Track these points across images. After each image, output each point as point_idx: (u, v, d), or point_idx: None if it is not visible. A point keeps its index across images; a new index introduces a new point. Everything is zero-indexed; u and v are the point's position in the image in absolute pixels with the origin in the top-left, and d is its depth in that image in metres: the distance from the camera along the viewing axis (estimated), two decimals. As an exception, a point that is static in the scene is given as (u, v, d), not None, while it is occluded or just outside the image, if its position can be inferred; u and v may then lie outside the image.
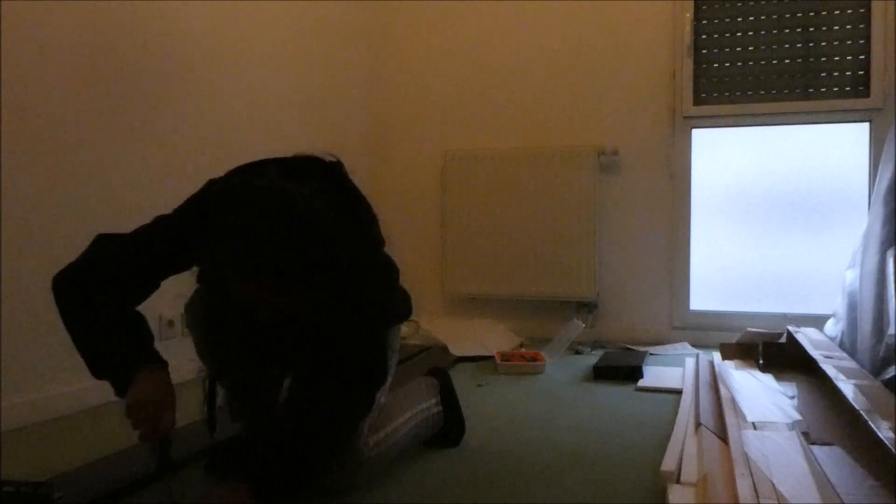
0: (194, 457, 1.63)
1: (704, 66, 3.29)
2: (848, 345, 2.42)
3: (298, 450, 1.34)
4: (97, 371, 1.34)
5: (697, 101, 3.29)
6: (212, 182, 1.41)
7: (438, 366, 1.95)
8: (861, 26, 3.09)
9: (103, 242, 1.37)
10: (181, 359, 1.61)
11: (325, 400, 1.37)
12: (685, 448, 1.62)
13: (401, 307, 1.67)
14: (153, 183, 2.38)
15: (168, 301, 1.46)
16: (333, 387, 1.37)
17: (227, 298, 1.29)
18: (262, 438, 1.50)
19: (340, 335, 1.39)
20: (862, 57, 3.09)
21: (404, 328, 3.29)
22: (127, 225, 1.40)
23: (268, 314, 1.29)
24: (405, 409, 1.64)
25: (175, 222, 1.37)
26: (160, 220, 1.39)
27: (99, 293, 1.32)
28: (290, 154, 1.52)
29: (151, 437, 1.30)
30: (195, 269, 1.41)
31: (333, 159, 1.50)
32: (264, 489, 1.29)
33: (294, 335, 1.47)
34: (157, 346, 1.38)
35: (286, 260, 1.18)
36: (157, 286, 1.40)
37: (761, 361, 2.51)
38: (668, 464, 1.52)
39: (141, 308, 1.39)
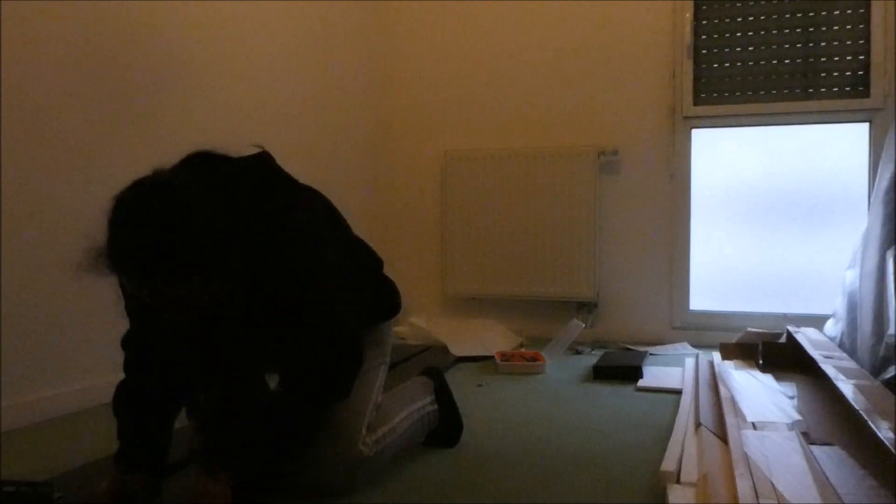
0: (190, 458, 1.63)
1: (704, 66, 3.29)
2: (848, 345, 2.41)
3: (269, 441, 1.36)
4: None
5: (697, 101, 3.29)
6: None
7: (432, 365, 1.95)
8: (861, 26, 3.09)
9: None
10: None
11: (293, 392, 1.39)
12: (685, 448, 1.62)
13: (384, 302, 1.67)
14: (153, 183, 2.38)
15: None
16: (305, 384, 1.40)
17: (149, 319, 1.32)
18: (228, 428, 1.49)
19: (303, 328, 1.39)
20: (862, 57, 3.09)
21: (403, 328, 3.32)
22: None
23: (175, 314, 1.28)
24: (401, 408, 1.64)
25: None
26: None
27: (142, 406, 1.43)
28: (283, 155, 1.50)
29: None
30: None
31: (257, 150, 1.48)
32: (242, 479, 1.29)
33: (248, 335, 1.46)
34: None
35: (162, 252, 1.16)
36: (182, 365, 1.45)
37: (761, 361, 2.51)
38: (668, 464, 1.52)
39: None
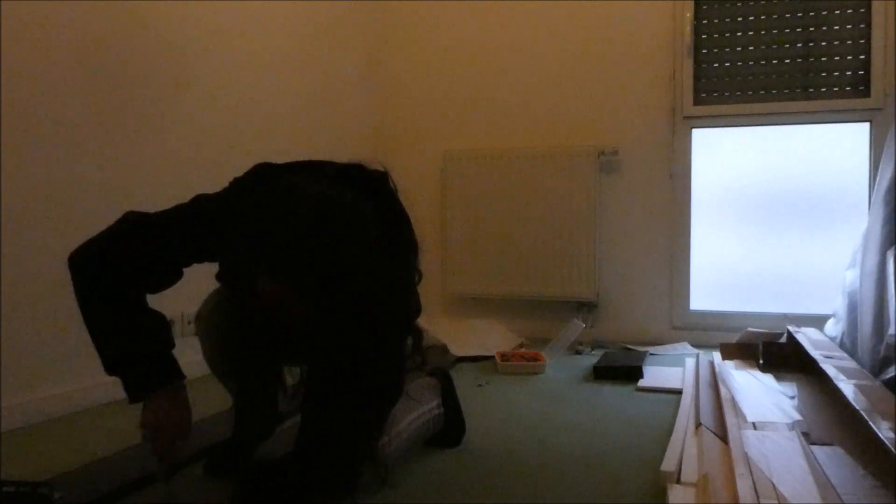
0: (194, 457, 1.63)
1: (704, 66, 3.29)
2: (848, 345, 2.41)
3: (312, 468, 1.35)
4: (110, 367, 1.28)
5: (697, 101, 3.29)
6: (259, 168, 1.37)
7: (439, 366, 1.94)
8: (861, 26, 3.09)
9: (133, 219, 1.30)
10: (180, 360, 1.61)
11: (341, 416, 1.37)
12: (685, 448, 1.62)
13: (413, 313, 1.67)
14: (153, 182, 2.38)
15: (167, 302, 1.46)
16: (349, 403, 1.37)
17: (249, 300, 1.28)
18: (262, 443, 1.49)
19: (357, 347, 1.38)
20: (862, 57, 3.09)
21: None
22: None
23: (283, 317, 1.27)
24: (408, 412, 1.64)
25: (216, 206, 1.32)
26: (199, 200, 1.34)
27: (124, 279, 1.26)
28: (283, 155, 1.50)
29: (164, 459, 1.32)
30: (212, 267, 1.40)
31: (381, 169, 1.50)
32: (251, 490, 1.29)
33: (307, 341, 1.46)
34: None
35: (317, 264, 1.17)
36: (181, 274, 1.35)
37: (761, 361, 2.51)
38: (668, 464, 1.52)
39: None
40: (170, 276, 1.34)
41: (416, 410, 1.66)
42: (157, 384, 1.29)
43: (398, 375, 1.46)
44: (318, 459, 1.35)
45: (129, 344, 1.27)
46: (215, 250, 1.35)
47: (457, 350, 3.02)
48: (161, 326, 1.32)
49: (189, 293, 1.58)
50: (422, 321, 3.54)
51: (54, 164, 2.08)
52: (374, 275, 1.26)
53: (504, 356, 2.81)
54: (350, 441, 1.38)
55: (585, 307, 3.38)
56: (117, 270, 1.26)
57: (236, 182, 1.36)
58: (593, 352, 3.06)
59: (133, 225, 1.30)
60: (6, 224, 1.94)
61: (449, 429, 1.78)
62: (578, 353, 3.05)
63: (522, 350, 2.99)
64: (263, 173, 1.37)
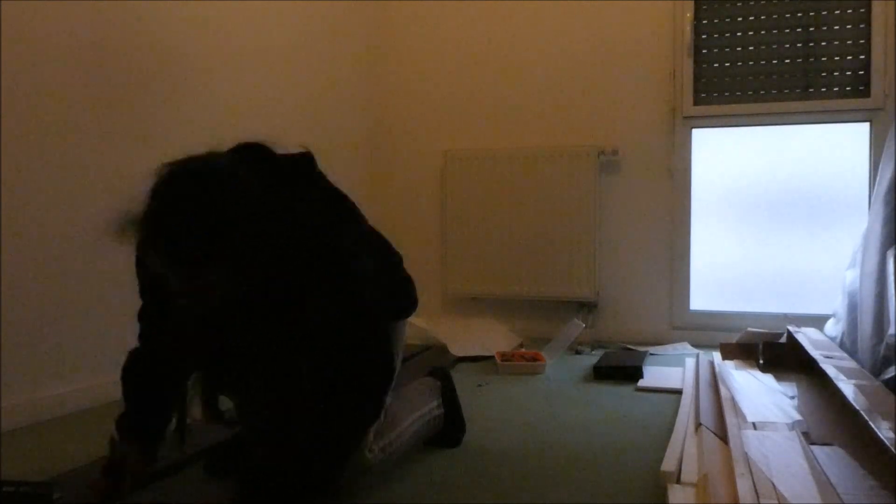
0: (194, 457, 1.63)
1: (704, 66, 3.29)
2: (848, 345, 2.41)
3: (300, 461, 1.33)
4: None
5: (697, 101, 3.29)
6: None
7: (440, 366, 1.94)
8: (861, 26, 3.09)
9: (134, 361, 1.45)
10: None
11: (329, 410, 1.36)
12: (685, 448, 1.62)
13: (401, 300, 1.62)
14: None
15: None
16: (337, 396, 1.36)
17: (165, 300, 1.30)
18: (255, 442, 1.48)
19: (332, 334, 1.36)
20: (862, 57, 3.09)
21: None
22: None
23: (199, 303, 1.27)
24: (409, 412, 1.63)
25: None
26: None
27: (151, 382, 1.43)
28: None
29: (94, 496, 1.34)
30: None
31: (303, 150, 1.47)
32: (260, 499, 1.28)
33: (251, 324, 1.42)
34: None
35: (203, 235, 1.15)
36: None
37: (761, 361, 2.51)
38: (668, 464, 1.52)
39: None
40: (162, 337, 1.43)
41: (416, 412, 1.65)
42: (124, 439, 1.39)
43: (374, 367, 1.41)
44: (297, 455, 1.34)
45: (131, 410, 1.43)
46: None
47: (457, 350, 3.02)
48: (157, 408, 1.43)
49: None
50: (422, 321, 3.56)
51: (54, 164, 2.08)
52: (265, 241, 1.22)
53: (504, 356, 2.81)
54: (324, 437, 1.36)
55: (585, 307, 3.38)
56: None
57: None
58: (593, 352, 3.06)
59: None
60: (6, 224, 1.94)
61: (449, 429, 1.78)
62: (578, 353, 3.05)
63: (522, 350, 2.99)
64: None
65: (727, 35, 3.26)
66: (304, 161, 1.45)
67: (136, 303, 1.45)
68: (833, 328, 2.62)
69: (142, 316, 1.46)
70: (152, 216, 1.15)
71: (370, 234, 1.59)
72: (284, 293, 1.33)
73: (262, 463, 1.35)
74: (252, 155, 1.33)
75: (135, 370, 1.44)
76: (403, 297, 1.62)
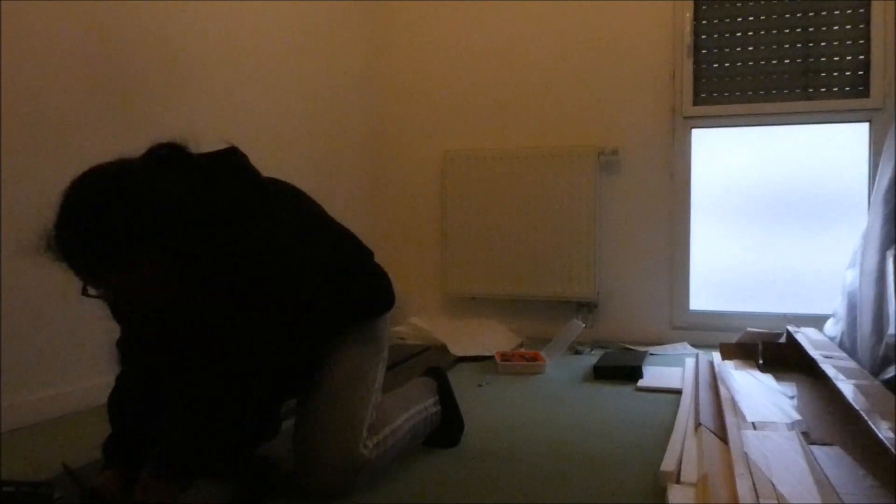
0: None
1: (704, 66, 3.29)
2: (848, 345, 2.41)
3: (193, 440, 1.30)
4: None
5: (697, 101, 3.29)
6: None
7: (435, 365, 1.94)
8: (861, 26, 3.09)
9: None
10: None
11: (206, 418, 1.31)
12: (685, 448, 1.62)
13: (376, 295, 1.61)
14: (153, 183, 2.38)
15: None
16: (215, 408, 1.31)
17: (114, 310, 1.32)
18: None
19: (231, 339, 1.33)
20: (862, 57, 3.09)
21: (403, 328, 3.32)
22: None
23: (128, 305, 1.28)
24: (403, 409, 1.63)
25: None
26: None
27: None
28: (283, 155, 1.48)
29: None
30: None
31: (225, 146, 1.43)
32: (175, 471, 1.26)
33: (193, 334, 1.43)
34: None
35: (105, 239, 1.15)
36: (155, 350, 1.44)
37: (761, 361, 2.51)
38: (668, 464, 1.52)
39: None
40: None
41: (411, 409, 1.65)
42: (107, 466, 1.38)
43: (264, 356, 1.33)
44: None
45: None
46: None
47: (457, 350, 3.02)
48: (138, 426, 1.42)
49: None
50: (422, 321, 3.55)
51: (55, 163, 2.08)
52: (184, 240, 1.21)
53: (504, 356, 2.81)
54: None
55: (585, 307, 3.38)
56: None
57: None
58: (593, 352, 3.06)
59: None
60: (6, 224, 1.94)
61: (447, 428, 1.78)
62: (578, 353, 3.05)
63: (522, 350, 2.99)
64: None
65: (727, 35, 3.26)
66: (227, 157, 1.40)
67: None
68: (833, 328, 2.62)
69: (119, 343, 1.48)
70: (57, 228, 1.16)
71: (323, 234, 1.54)
72: (210, 290, 1.31)
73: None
74: (164, 155, 1.30)
75: (116, 398, 1.45)
76: (377, 294, 1.61)
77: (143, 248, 1.18)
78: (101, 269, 1.18)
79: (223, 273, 1.30)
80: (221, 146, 1.41)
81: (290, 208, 1.46)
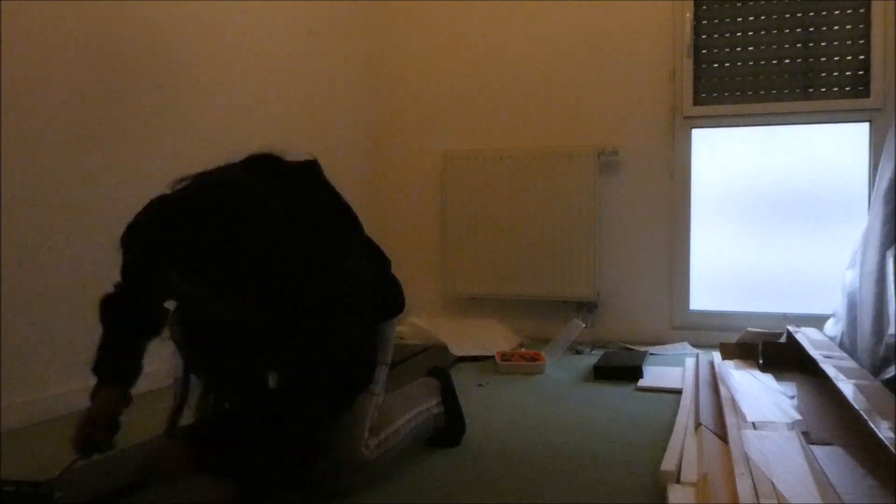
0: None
1: (704, 66, 3.29)
2: (848, 345, 2.41)
3: (275, 447, 1.35)
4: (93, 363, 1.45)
5: (697, 101, 3.29)
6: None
7: (439, 366, 1.94)
8: (861, 26, 3.09)
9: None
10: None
11: (301, 399, 1.36)
12: (685, 448, 1.62)
13: (389, 301, 1.66)
14: (152, 183, 2.37)
15: (169, 302, 1.47)
16: (311, 386, 1.36)
17: (188, 304, 1.33)
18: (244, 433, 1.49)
19: (320, 332, 1.37)
20: (862, 57, 3.09)
21: (403, 328, 3.32)
22: (125, 224, 1.41)
23: (219, 311, 1.31)
24: (406, 410, 1.63)
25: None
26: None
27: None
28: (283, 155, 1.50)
29: (80, 449, 1.39)
30: None
31: (309, 158, 1.50)
32: (247, 487, 1.29)
33: (269, 333, 1.46)
34: (158, 346, 1.43)
35: (217, 254, 1.18)
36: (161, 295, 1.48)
37: (761, 361, 2.51)
38: (668, 464, 1.52)
39: None
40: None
41: (413, 409, 1.65)
42: (101, 382, 1.44)
43: (353, 363, 1.42)
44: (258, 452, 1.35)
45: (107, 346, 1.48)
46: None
47: (457, 350, 3.02)
48: (135, 340, 1.47)
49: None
50: (422, 321, 3.55)
51: (55, 163, 2.08)
52: (282, 253, 1.25)
53: (504, 356, 2.81)
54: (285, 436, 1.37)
55: (585, 307, 3.38)
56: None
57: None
58: (593, 352, 3.06)
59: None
60: (7, 223, 1.94)
61: (449, 429, 1.78)
62: (578, 353, 3.05)
63: (522, 350, 2.99)
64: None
65: (727, 35, 3.26)
66: (311, 168, 1.49)
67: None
68: (833, 328, 2.62)
69: (125, 273, 1.48)
70: (175, 237, 1.19)
71: (367, 240, 1.62)
72: (288, 294, 1.34)
73: (237, 455, 1.35)
74: (263, 166, 1.38)
75: (113, 308, 1.48)
76: (392, 300, 1.67)
77: (257, 258, 1.22)
78: (219, 278, 1.21)
79: (301, 278, 1.34)
80: (303, 157, 1.49)
81: (355, 219, 1.54)
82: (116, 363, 1.45)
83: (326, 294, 1.37)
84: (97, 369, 1.45)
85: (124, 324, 1.47)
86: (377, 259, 1.67)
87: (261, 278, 1.25)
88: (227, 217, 1.20)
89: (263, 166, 1.38)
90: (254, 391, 1.59)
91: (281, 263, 1.27)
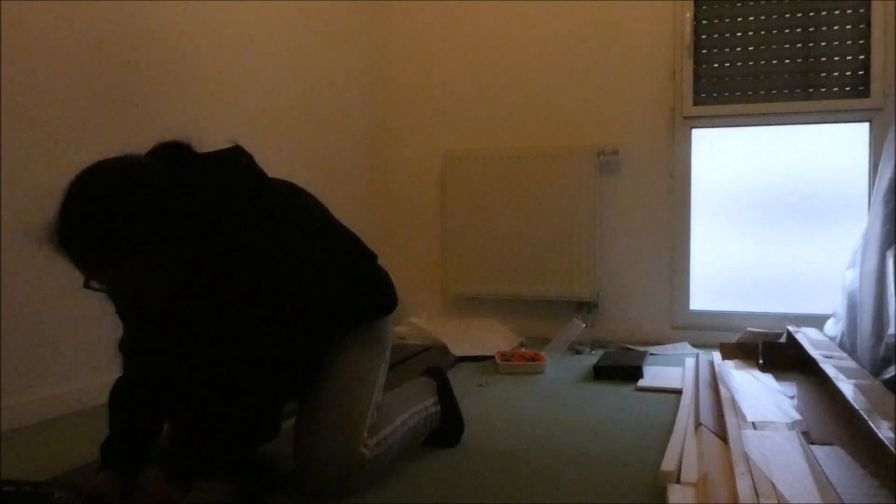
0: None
1: (704, 66, 3.29)
2: (848, 345, 2.41)
3: (203, 437, 1.29)
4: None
5: (697, 101, 3.29)
6: None
7: (435, 365, 1.94)
8: (861, 26, 3.09)
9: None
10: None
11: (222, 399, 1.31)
12: (685, 448, 1.61)
13: (373, 301, 1.61)
14: (153, 183, 2.38)
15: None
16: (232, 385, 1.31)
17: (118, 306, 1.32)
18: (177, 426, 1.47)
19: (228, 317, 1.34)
20: (862, 57, 3.09)
21: (403, 328, 3.32)
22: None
23: (126, 299, 1.29)
24: (403, 409, 1.63)
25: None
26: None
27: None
28: (282, 155, 1.49)
29: None
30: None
31: (229, 144, 1.44)
32: (179, 472, 1.25)
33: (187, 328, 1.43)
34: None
35: (102, 231, 1.16)
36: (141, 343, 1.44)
37: (761, 361, 2.51)
38: (668, 464, 1.52)
39: None
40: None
41: (411, 408, 1.65)
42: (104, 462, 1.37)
43: (276, 361, 1.34)
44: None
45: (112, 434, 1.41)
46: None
47: (457, 350, 3.02)
48: (134, 435, 1.40)
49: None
50: (422, 321, 3.55)
51: (55, 163, 2.08)
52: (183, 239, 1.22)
53: (504, 356, 2.81)
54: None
55: (585, 307, 3.38)
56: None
57: None
58: (593, 352, 3.06)
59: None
60: (6, 224, 1.94)
61: (447, 428, 1.77)
62: (578, 353, 3.05)
63: (522, 350, 2.99)
64: None
65: (727, 35, 3.26)
66: (231, 156, 1.41)
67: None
68: (833, 328, 2.62)
69: (121, 345, 1.48)
70: (60, 217, 1.17)
71: (327, 236, 1.55)
72: (212, 290, 1.32)
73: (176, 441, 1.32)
74: (168, 154, 1.32)
75: (117, 399, 1.44)
76: (376, 298, 1.62)
77: (138, 242, 1.18)
78: (96, 261, 1.19)
79: (225, 272, 1.31)
80: (226, 145, 1.42)
81: (294, 209, 1.47)
82: (119, 449, 1.38)
83: (244, 290, 1.31)
84: (103, 450, 1.39)
85: (129, 419, 1.41)
86: (352, 256, 1.59)
87: (167, 267, 1.22)
88: (113, 199, 1.17)
89: (171, 156, 1.32)
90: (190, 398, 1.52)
91: (194, 253, 1.23)
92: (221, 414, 1.30)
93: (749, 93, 3.24)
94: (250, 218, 1.33)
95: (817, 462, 1.46)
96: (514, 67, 3.54)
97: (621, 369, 2.58)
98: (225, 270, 1.31)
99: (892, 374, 1.97)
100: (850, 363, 2.14)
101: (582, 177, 3.34)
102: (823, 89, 3.15)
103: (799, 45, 3.18)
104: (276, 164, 1.81)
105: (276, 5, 3.01)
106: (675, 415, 1.99)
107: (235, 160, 1.41)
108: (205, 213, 1.27)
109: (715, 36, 3.27)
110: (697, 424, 1.74)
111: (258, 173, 1.42)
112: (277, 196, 1.43)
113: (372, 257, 1.66)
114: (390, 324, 1.69)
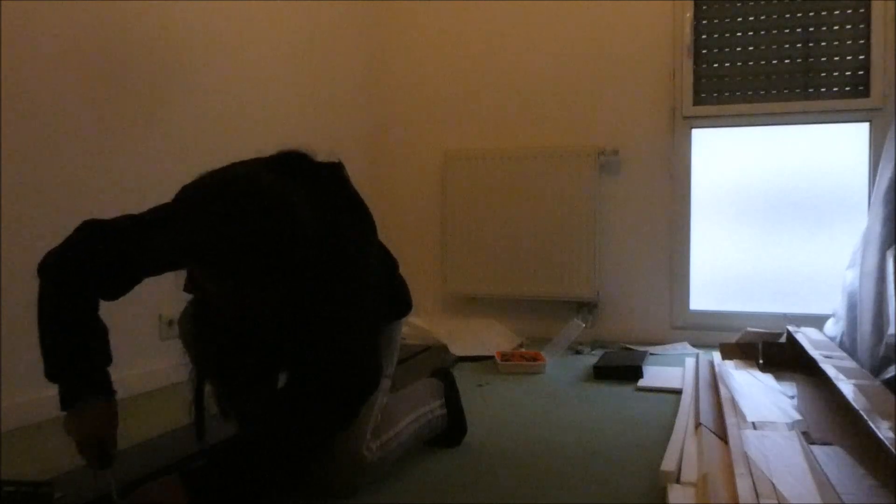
0: (180, 463, 1.60)
1: (704, 66, 3.29)
2: (848, 345, 2.42)
3: (266, 452, 1.29)
4: (49, 375, 1.33)
5: (697, 101, 3.30)
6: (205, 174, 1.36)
7: (443, 367, 1.94)
8: (861, 26, 3.09)
9: (90, 228, 1.38)
10: (180, 360, 1.61)
11: (304, 406, 1.33)
12: (685, 448, 1.62)
13: (398, 303, 1.67)
14: (152, 182, 2.38)
15: (168, 301, 1.46)
16: (316, 394, 1.33)
17: (208, 300, 1.29)
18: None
19: (330, 336, 1.36)
20: (862, 57, 3.09)
21: (404, 328, 3.32)
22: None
23: (236, 310, 1.29)
24: (408, 412, 1.63)
25: (164, 212, 1.35)
26: (154, 208, 1.39)
27: (78, 287, 1.33)
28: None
29: (98, 465, 1.33)
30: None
31: (335, 160, 1.51)
32: (198, 487, 1.23)
33: (283, 334, 1.46)
34: (158, 346, 1.38)
35: (241, 251, 1.15)
36: (138, 280, 1.39)
37: (761, 361, 2.51)
38: (668, 464, 1.52)
39: (141, 306, 1.38)
40: (125, 284, 1.39)
41: (416, 411, 1.65)
42: (82, 397, 1.32)
43: (364, 366, 1.39)
44: (263, 449, 1.30)
45: (67, 356, 1.31)
46: (170, 258, 1.32)
47: (457, 350, 3.02)
48: (100, 342, 1.35)
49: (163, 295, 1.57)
50: (422, 321, 3.55)
51: (55, 163, 2.08)
52: (309, 257, 1.23)
53: (504, 356, 2.81)
54: (296, 434, 1.32)
55: (585, 307, 3.38)
56: (74, 278, 1.33)
57: (183, 188, 1.34)
58: (593, 352, 3.06)
59: (90, 234, 1.37)
60: (6, 224, 1.94)
61: (450, 430, 1.77)
62: (578, 353, 3.05)
63: (522, 350, 2.99)
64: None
65: (727, 35, 3.26)
66: (338, 171, 1.52)
67: (135, 301, 1.44)
68: (833, 328, 2.62)
69: (89, 232, 1.40)
70: (201, 233, 1.15)
71: (379, 243, 1.64)
72: (308, 293, 1.33)
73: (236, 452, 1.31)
74: (292, 165, 1.38)
75: (83, 300, 1.34)
76: (400, 301, 1.68)
77: (285, 262, 1.19)
78: (232, 276, 1.17)
79: (330, 283, 1.34)
80: (328, 159, 1.50)
81: (370, 220, 1.56)
82: (93, 372, 1.32)
83: (345, 296, 1.37)
84: (70, 385, 1.30)
85: (91, 323, 1.34)
86: (387, 261, 1.68)
87: (288, 278, 1.22)
88: (261, 217, 1.16)
89: (292, 165, 1.38)
90: (262, 392, 1.58)
91: (307, 264, 1.24)
92: (311, 398, 1.32)
93: (749, 93, 3.24)
94: (356, 234, 1.46)
95: (817, 462, 1.46)
96: (514, 67, 3.54)
97: (621, 369, 2.58)
98: (330, 281, 1.34)
99: (892, 374, 1.97)
100: (850, 363, 2.14)
101: (582, 177, 3.35)
102: (823, 89, 3.15)
103: (799, 45, 3.18)
104: (276, 164, 1.81)
105: (276, 5, 3.01)
106: (675, 415, 1.99)
107: (343, 176, 1.54)
108: (325, 229, 1.30)
109: (715, 36, 3.27)
110: (697, 424, 1.74)
111: (355, 190, 1.56)
112: (367, 216, 1.55)
113: (396, 264, 1.73)
114: (402, 327, 1.72)
